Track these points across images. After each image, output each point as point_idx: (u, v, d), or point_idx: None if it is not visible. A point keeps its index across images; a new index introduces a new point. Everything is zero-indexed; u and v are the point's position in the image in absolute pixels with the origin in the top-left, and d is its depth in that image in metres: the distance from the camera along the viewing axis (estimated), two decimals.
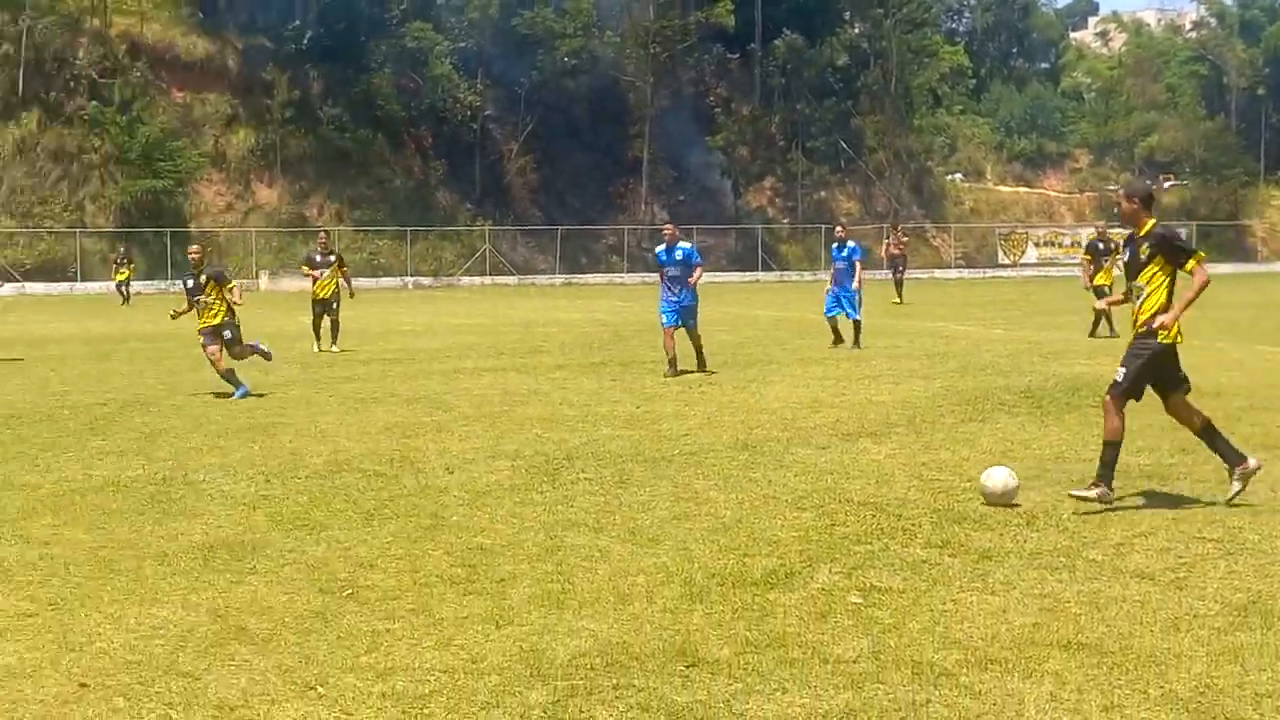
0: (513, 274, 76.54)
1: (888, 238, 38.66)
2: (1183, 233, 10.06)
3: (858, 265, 24.62)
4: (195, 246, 19.41)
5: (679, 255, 20.67)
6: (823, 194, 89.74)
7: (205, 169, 73.94)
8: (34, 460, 12.70)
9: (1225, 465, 9.98)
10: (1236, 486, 9.85)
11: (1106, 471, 9.78)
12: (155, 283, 66.34)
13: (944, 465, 11.85)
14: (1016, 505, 9.84)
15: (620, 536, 9.11)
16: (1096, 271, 27.74)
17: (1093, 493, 9.71)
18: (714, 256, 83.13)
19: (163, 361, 23.78)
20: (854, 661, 6.35)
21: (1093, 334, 26.86)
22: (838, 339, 24.68)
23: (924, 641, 6.65)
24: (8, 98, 70.65)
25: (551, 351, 25.07)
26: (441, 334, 31.28)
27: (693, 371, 20.20)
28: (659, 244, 21.32)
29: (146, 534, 9.35)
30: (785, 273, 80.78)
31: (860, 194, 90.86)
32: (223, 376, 17.89)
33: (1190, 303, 9.69)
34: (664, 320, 20.61)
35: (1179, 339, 9.87)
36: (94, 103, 71.38)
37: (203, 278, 18.13)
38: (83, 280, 66.43)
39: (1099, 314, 25.99)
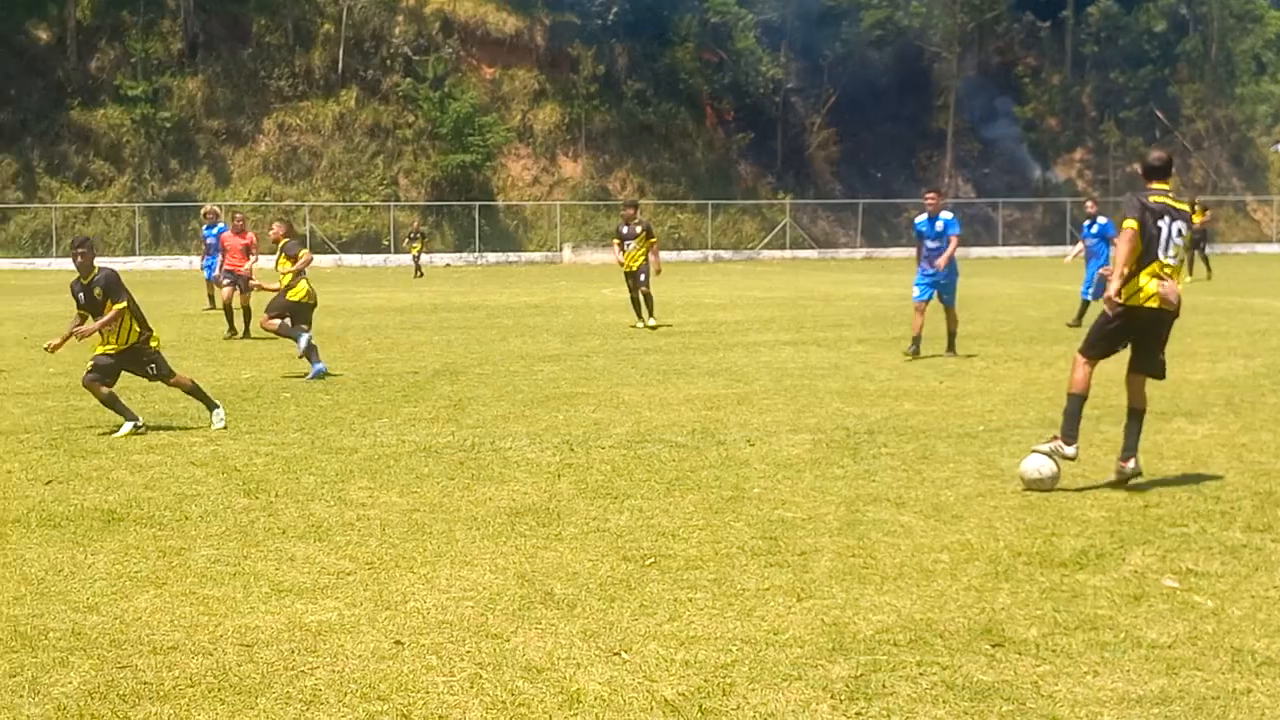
0: (813, 247, 76.31)
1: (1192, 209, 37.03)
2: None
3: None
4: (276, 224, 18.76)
5: (939, 226, 19.23)
6: (1135, 166, 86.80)
7: (512, 143, 75.60)
8: (350, 425, 13.19)
9: (1121, 450, 9.86)
10: (1113, 478, 9.84)
11: (1065, 423, 9.84)
12: (464, 255, 68.28)
13: (1265, 447, 11.36)
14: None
15: (923, 512, 8.98)
16: None
17: (1046, 446, 9.76)
18: (1020, 230, 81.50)
19: (470, 331, 24.42)
20: (1169, 647, 6.12)
21: None
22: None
23: (1245, 628, 6.38)
24: (328, 75, 73.44)
25: (852, 325, 24.89)
26: (742, 307, 31.35)
27: (938, 355, 18.96)
28: (920, 213, 19.86)
29: (456, 498, 9.61)
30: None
31: (1177, 165, 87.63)
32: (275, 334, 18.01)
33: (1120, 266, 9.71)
34: (915, 293, 19.38)
35: (1151, 303, 9.64)
36: (408, 79, 73.66)
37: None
38: (396, 253, 68.81)
39: None
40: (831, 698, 5.52)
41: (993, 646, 6.15)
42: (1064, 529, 8.44)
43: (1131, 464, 9.71)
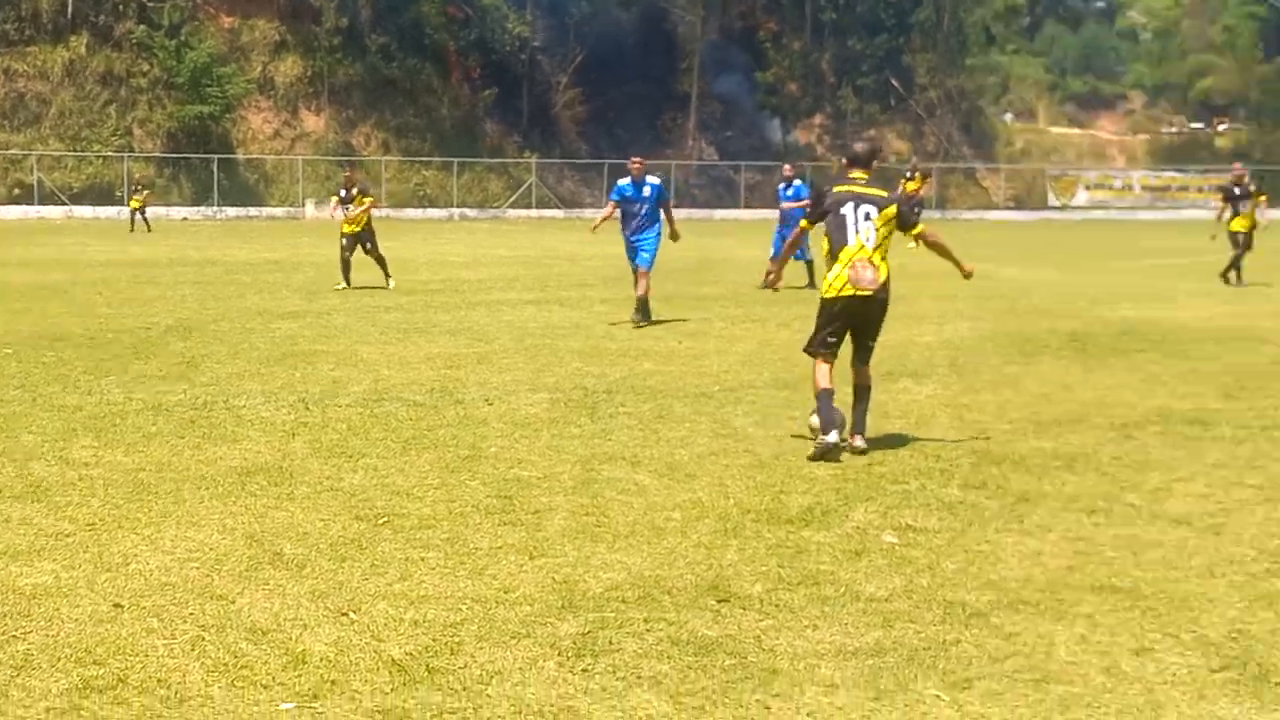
0: (559, 207, 76.42)
1: (908, 177, 37.30)
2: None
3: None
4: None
5: (646, 191, 18.62)
6: (872, 132, 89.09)
7: (253, 96, 73.93)
8: (75, 382, 12.80)
9: (851, 426, 9.94)
10: (860, 445, 9.86)
11: (820, 418, 9.80)
12: (202, 209, 66.57)
13: (985, 407, 11.81)
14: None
15: (657, 471, 9.11)
16: (1233, 217, 27.16)
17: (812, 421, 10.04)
18: (762, 193, 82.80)
19: (206, 287, 23.89)
20: (886, 600, 6.34)
21: (1224, 277, 26.45)
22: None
23: (957, 582, 6.64)
24: (56, 19, 70.66)
25: (595, 285, 25.05)
26: (486, 266, 31.31)
27: (674, 320, 18.64)
28: (622, 177, 19.14)
29: (185, 457, 9.41)
30: None
31: (910, 133, 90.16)
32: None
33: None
34: (631, 262, 18.91)
35: (845, 291, 9.83)
36: (142, 26, 71.31)
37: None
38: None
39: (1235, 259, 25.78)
40: (559, 655, 5.58)
41: (719, 602, 6.29)
42: (792, 486, 8.65)
43: (859, 441, 9.83)
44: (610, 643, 5.73)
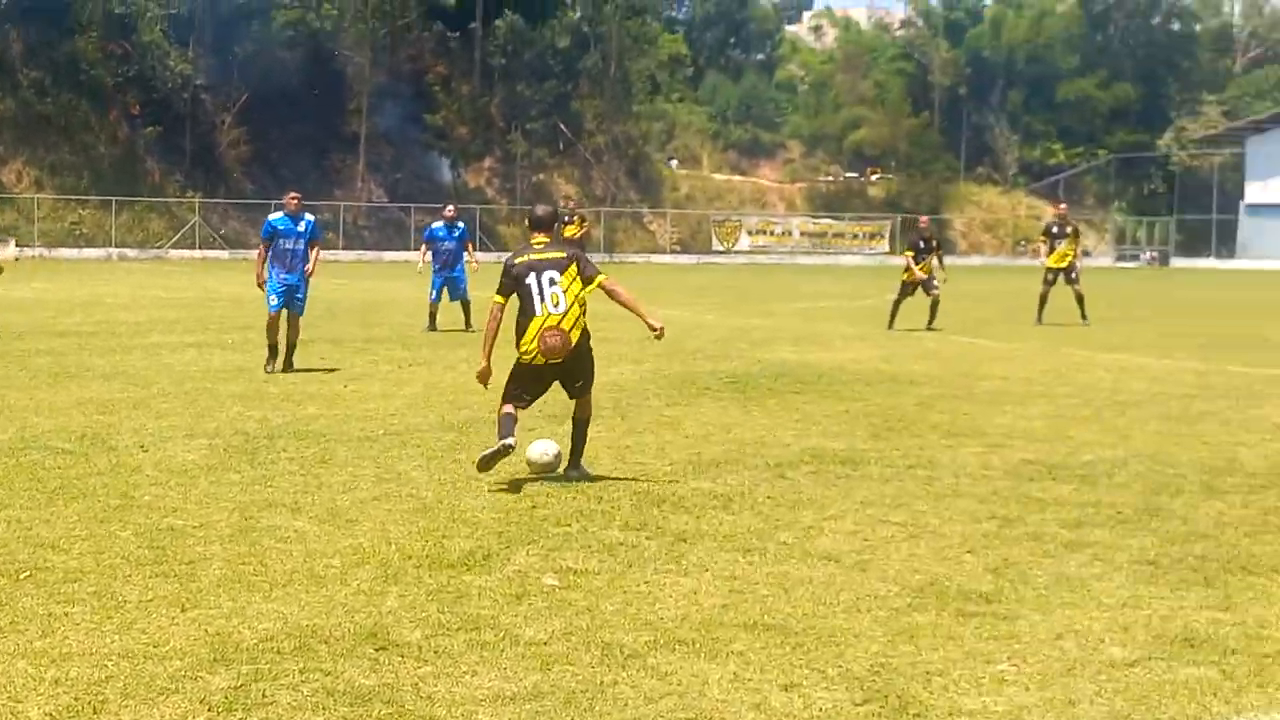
0: (224, 248, 74.62)
1: (565, 222, 37.44)
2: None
3: (469, 245, 25.87)
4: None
5: (302, 227, 17.63)
6: (541, 176, 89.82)
7: None
8: None
9: (570, 459, 10.53)
10: (574, 474, 10.45)
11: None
12: None
13: (646, 448, 12.01)
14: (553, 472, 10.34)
15: (318, 517, 8.98)
16: (1050, 253, 28.77)
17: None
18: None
19: None
20: (545, 643, 6.37)
21: (1040, 319, 28.10)
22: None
23: (616, 623, 6.72)
24: None
25: (259, 328, 24.53)
26: (146, 308, 30.37)
27: (287, 371, 17.54)
28: (276, 211, 18.21)
29: None
30: (503, 253, 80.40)
31: (579, 177, 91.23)
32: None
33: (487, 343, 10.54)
34: (269, 303, 17.60)
35: (537, 360, 10.24)
36: None
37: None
38: None
39: (1043, 297, 27.35)
40: (209, 710, 5.43)
41: (377, 650, 6.22)
42: (455, 531, 8.63)
43: (575, 471, 10.43)
44: (264, 695, 5.61)
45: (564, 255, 10.27)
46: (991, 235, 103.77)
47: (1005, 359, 20.48)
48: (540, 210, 10.81)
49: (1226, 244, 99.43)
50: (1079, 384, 17.18)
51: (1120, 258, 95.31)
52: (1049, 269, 28.77)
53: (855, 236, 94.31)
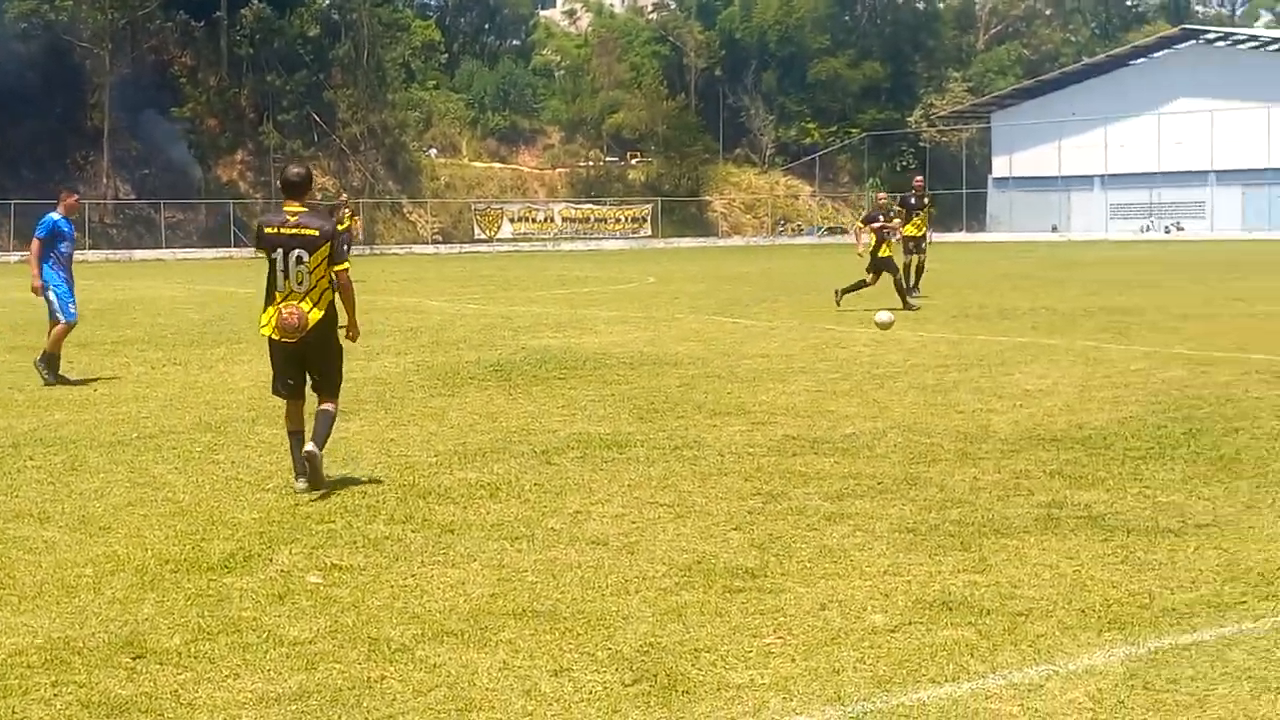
0: None
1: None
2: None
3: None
4: None
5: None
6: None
7: None
8: None
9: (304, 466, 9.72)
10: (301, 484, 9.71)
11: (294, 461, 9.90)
12: None
13: (411, 440, 11.88)
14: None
15: (69, 526, 8.68)
16: (906, 223, 29.50)
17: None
18: (184, 231, 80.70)
19: None
20: (310, 642, 6.25)
21: (915, 287, 28.82)
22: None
23: (382, 618, 6.62)
24: None
25: (2, 333, 23.68)
26: None
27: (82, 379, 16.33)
28: (53, 210, 16.85)
29: None
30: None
31: (335, 168, 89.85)
32: None
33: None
34: (68, 311, 16.40)
35: (275, 335, 9.71)
36: None
37: None
38: None
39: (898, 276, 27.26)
40: None
41: (134, 659, 6.03)
42: (214, 533, 8.42)
43: (311, 446, 9.58)
44: (14, 712, 5.39)
45: (317, 233, 9.55)
46: (752, 215, 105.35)
47: (766, 337, 20.78)
48: (293, 172, 9.88)
49: (977, 217, 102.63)
50: (838, 359, 17.51)
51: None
52: (907, 238, 29.74)
53: (618, 221, 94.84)
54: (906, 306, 25.16)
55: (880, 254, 26.32)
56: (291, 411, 9.96)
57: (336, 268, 9.66)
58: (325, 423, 9.78)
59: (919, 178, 34.74)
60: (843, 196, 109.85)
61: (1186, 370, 15.59)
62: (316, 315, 9.63)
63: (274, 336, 9.69)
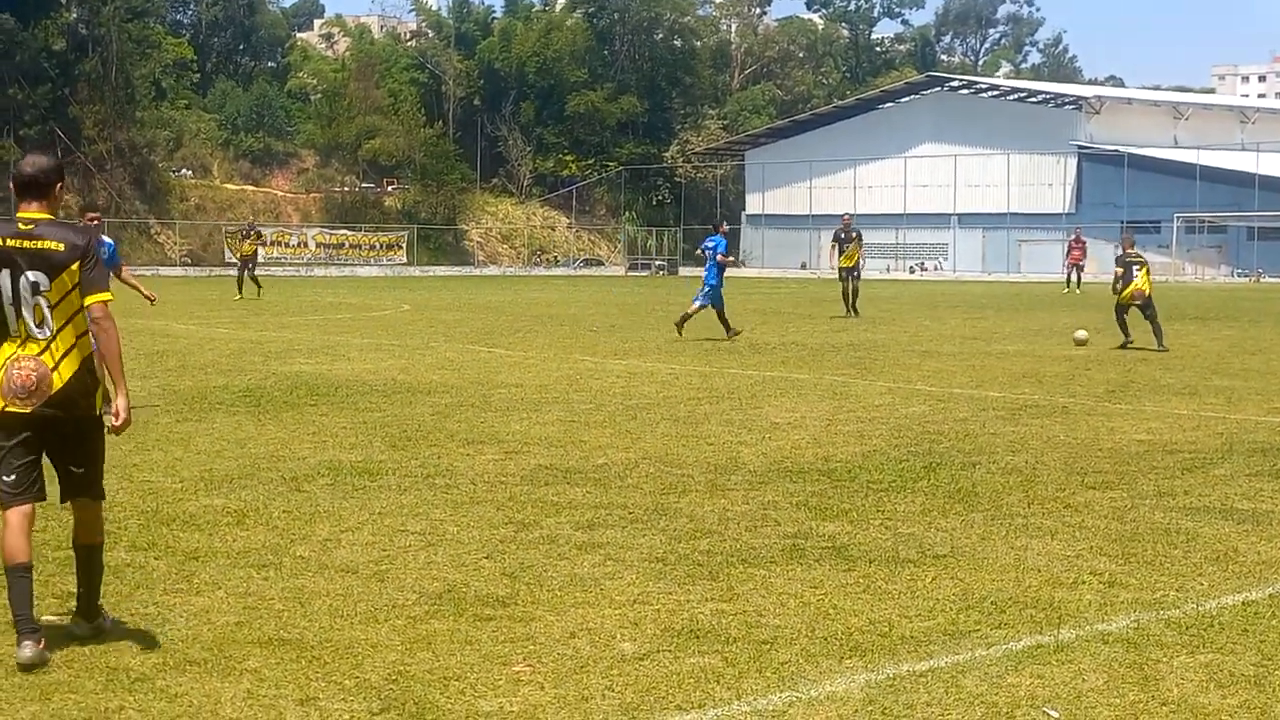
0: None
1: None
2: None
3: None
4: None
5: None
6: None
7: None
8: None
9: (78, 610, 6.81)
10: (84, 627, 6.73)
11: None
12: None
13: (155, 465, 11.61)
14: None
15: None
16: (840, 255, 35.42)
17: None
18: None
19: None
20: (45, 672, 6.07)
21: (851, 310, 34.99)
22: None
23: (122, 647, 6.46)
24: None
25: None
26: None
27: None
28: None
29: None
30: None
31: (80, 186, 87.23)
32: None
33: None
34: None
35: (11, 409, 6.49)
36: None
37: None
38: None
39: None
40: None
41: None
42: None
43: (90, 625, 6.72)
44: None
45: (62, 247, 6.49)
46: (508, 245, 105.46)
47: (521, 366, 20.82)
48: (30, 166, 6.81)
49: (731, 253, 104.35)
50: (592, 390, 17.64)
51: (632, 267, 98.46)
52: (841, 268, 35.40)
53: (373, 248, 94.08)
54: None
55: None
56: (13, 528, 6.45)
57: (91, 298, 6.51)
58: (94, 566, 6.80)
59: (846, 214, 40.99)
60: (599, 228, 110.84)
61: (927, 405, 16.09)
62: (66, 375, 6.49)
63: (10, 409, 6.46)
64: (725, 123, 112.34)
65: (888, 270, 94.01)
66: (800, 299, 49.37)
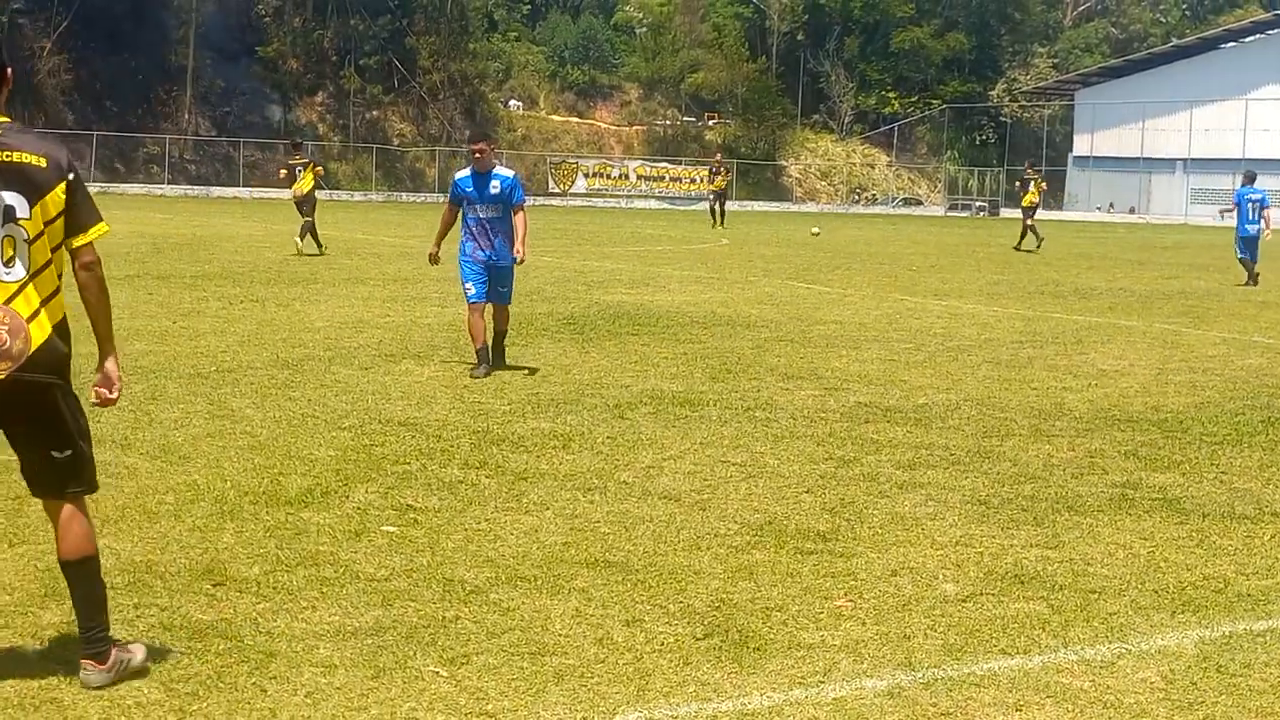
0: None
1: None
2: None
3: None
4: None
5: (495, 188, 13.06)
6: (375, 113, 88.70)
7: None
8: None
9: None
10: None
11: None
12: None
13: (485, 387, 11.95)
14: None
15: (150, 453, 8.80)
16: (1024, 195, 40.37)
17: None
18: (263, 171, 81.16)
19: None
20: (386, 580, 6.33)
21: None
22: None
23: (456, 560, 6.69)
24: None
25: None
26: None
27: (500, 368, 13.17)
28: (461, 167, 13.79)
29: None
30: (335, 192, 79.39)
31: (414, 115, 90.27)
32: None
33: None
34: (469, 290, 13.08)
35: None
36: None
37: None
38: None
39: None
40: (40, 644, 5.32)
41: (214, 586, 6.13)
42: (291, 468, 8.52)
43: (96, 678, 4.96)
44: None
45: (44, 162, 4.89)
46: (827, 182, 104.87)
47: (840, 303, 20.73)
48: None
49: (1055, 195, 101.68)
50: (912, 329, 17.45)
51: (952, 207, 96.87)
52: (1024, 207, 39.99)
53: (692, 180, 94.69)
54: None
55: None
56: None
57: (82, 238, 4.99)
58: (96, 582, 5.19)
59: (1029, 162, 45.20)
60: (919, 167, 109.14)
61: (1264, 358, 15.44)
62: (47, 325, 4.94)
63: None
64: (1055, 61, 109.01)
65: (1220, 217, 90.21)
66: (1128, 244, 47.81)
